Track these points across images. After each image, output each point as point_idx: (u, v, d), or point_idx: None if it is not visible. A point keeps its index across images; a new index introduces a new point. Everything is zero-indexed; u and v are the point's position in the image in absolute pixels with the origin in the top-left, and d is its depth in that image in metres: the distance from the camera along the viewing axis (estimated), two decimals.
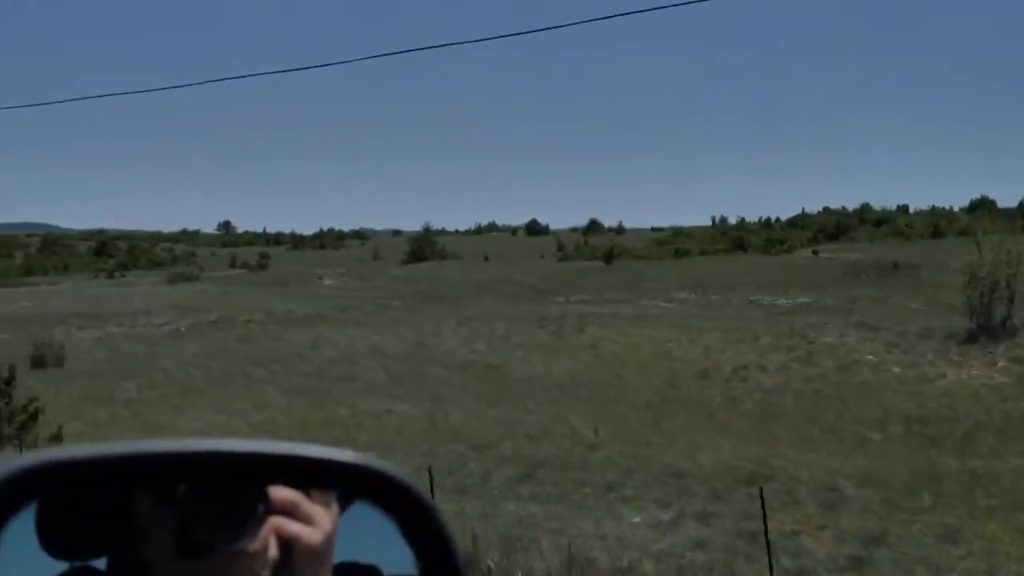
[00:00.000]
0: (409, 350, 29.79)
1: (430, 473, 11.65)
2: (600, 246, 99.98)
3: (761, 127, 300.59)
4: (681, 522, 12.25)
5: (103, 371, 28.23)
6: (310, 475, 1.10)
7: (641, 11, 17.52)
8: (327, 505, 1.12)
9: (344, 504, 1.14)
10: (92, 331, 37.85)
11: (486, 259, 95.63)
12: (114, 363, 29.72)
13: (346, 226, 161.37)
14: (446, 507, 13.16)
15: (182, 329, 36.78)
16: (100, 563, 1.08)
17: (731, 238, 70.81)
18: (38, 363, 29.24)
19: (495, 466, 15.72)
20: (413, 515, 1.10)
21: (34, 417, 19.49)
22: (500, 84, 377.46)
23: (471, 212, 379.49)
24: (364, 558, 1.15)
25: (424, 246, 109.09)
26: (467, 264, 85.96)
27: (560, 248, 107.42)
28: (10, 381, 19.84)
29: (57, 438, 19.28)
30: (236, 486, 1.08)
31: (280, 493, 1.09)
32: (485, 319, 34.68)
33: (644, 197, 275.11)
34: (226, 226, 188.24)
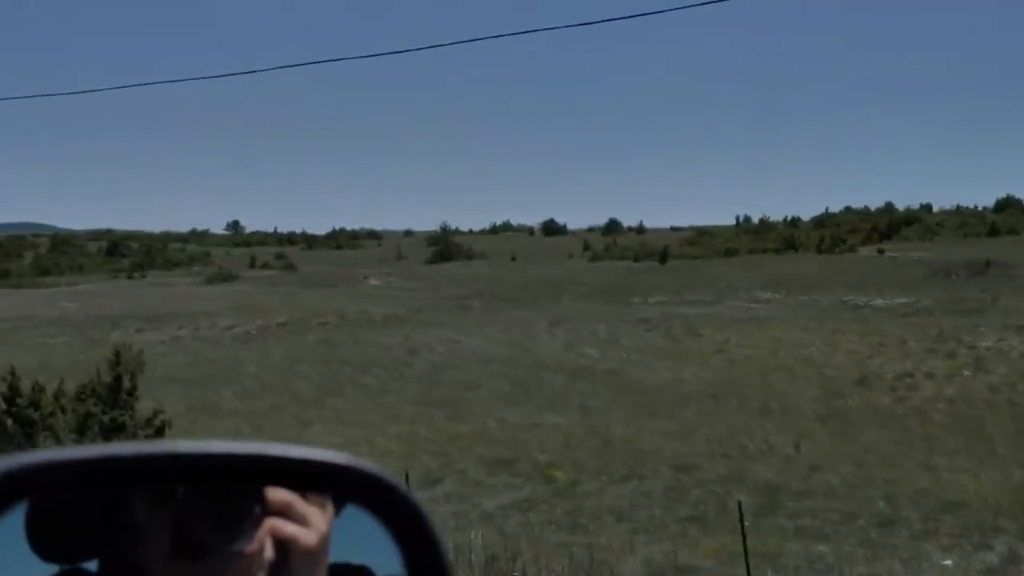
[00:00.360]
0: (511, 354, 27.92)
1: (740, 509, 9.73)
2: (629, 246, 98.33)
3: (772, 127, 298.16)
4: (1020, 565, 10.37)
5: (191, 378, 26.30)
6: (301, 477, 1.09)
7: (658, 12, 16.09)
8: (322, 506, 1.10)
9: (338, 505, 1.12)
10: (153, 334, 35.95)
11: (513, 259, 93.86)
12: (198, 369, 27.80)
13: (352, 225, 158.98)
14: (713, 543, 11.28)
15: (252, 332, 34.86)
16: (91, 566, 1.06)
17: (782, 237, 68.92)
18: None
19: (722, 490, 13.85)
20: (401, 516, 1.09)
21: (160, 431, 17.57)
22: (507, 84, 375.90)
23: (478, 212, 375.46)
24: (357, 559, 1.13)
25: (450, 246, 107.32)
26: (495, 264, 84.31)
27: (586, 248, 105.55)
28: (132, 391, 17.93)
29: None
30: (229, 487, 1.07)
31: (276, 494, 1.07)
32: (577, 321, 32.85)
33: (651, 197, 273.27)
34: (235, 226, 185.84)
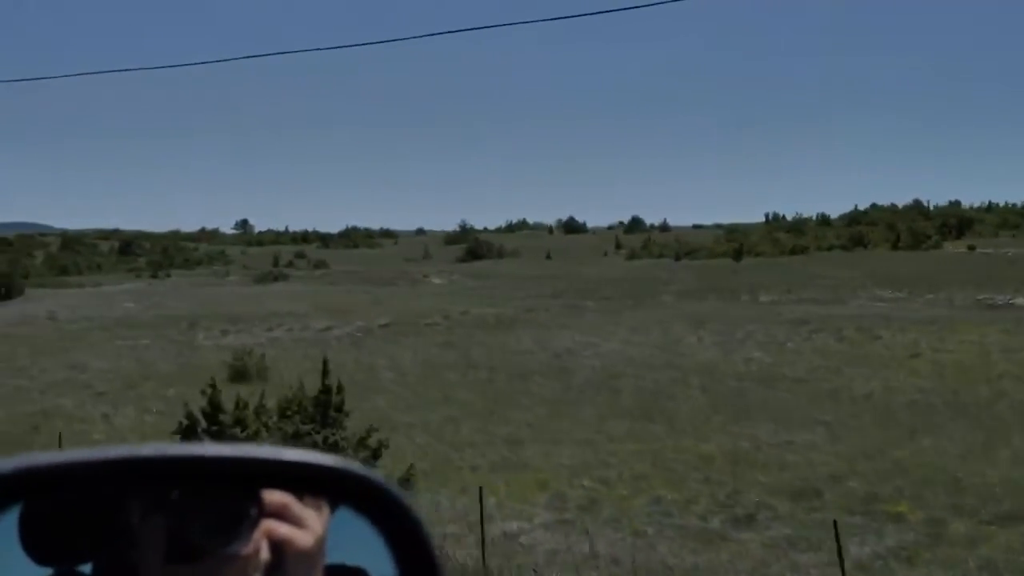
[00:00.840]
0: (670, 359, 25.34)
1: None
2: (668, 244, 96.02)
3: (784, 127, 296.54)
4: None
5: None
6: (294, 480, 1.08)
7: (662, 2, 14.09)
8: (318, 508, 1.10)
9: (334, 507, 1.12)
10: (243, 336, 33.29)
11: (548, 257, 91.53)
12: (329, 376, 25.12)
13: (360, 224, 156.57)
14: None
15: (356, 334, 32.23)
16: (86, 569, 1.06)
17: (850, 234, 66.48)
18: (239, 375, 24.61)
19: None
20: (393, 520, 1.09)
21: (376, 454, 14.93)
22: (520, 82, 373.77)
23: (486, 210, 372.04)
24: (354, 561, 1.13)
25: (480, 244, 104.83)
26: (531, 262, 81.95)
27: (619, 246, 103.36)
28: (340, 407, 15.28)
29: (407, 481, 14.74)
30: (223, 491, 1.06)
31: (271, 496, 1.07)
32: (719, 322, 30.34)
33: (663, 195, 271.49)
34: (243, 224, 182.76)
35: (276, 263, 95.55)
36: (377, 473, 1.10)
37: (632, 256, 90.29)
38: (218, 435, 14.29)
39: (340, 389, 15.33)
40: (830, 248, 63.98)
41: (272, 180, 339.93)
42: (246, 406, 14.53)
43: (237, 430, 14.17)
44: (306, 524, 1.07)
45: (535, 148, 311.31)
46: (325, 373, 15.23)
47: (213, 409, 14.45)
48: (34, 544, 1.04)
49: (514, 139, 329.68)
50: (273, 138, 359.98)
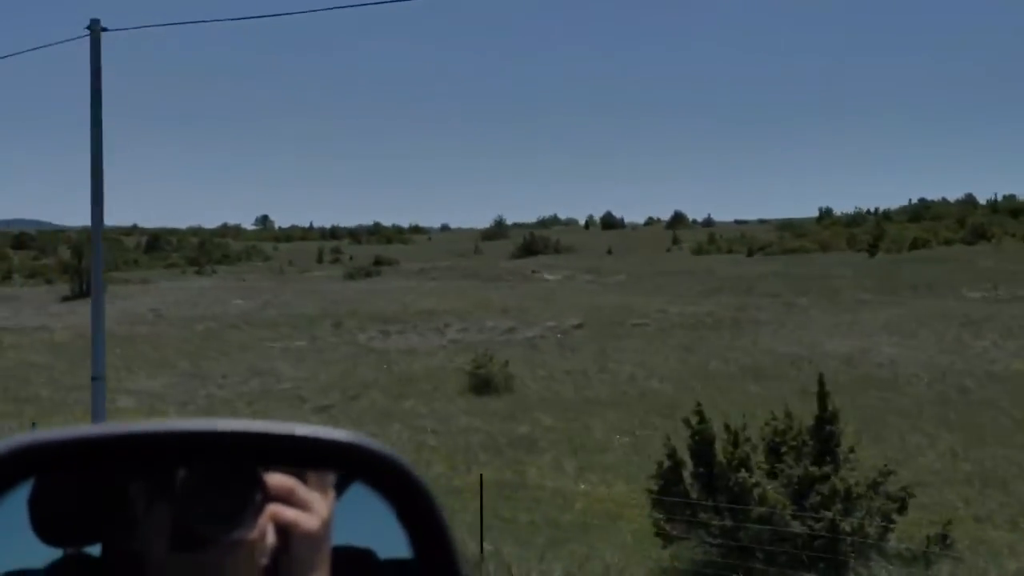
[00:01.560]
0: (985, 368, 21.36)
1: None
2: (732, 238, 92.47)
3: (811, 124, 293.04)
4: None
5: (596, 399, 19.53)
6: (305, 455, 1.07)
7: None
8: (323, 490, 1.08)
9: (340, 489, 1.10)
10: (409, 337, 29.24)
11: (608, 252, 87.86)
12: (588, 387, 20.98)
13: (372, 220, 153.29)
14: None
15: (557, 336, 28.08)
16: (95, 550, 1.06)
17: (971, 226, 62.53)
18: (483, 386, 20.49)
19: None
20: (408, 497, 1.07)
21: (903, 506, 10.77)
22: (535, 75, 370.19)
23: (499, 207, 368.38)
24: (360, 542, 1.13)
25: (536, 239, 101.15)
26: (595, 257, 78.24)
27: (675, 241, 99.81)
28: (838, 439, 11.09)
29: (943, 538, 10.58)
30: (231, 467, 1.04)
31: (276, 480, 1.05)
32: (989, 323, 26.38)
33: (677, 191, 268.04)
34: (264, 220, 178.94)
35: (320, 259, 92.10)
36: (390, 448, 1.05)
37: (699, 251, 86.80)
38: (712, 480, 10.14)
39: (835, 417, 11.10)
40: (947, 242, 60.00)
41: (281, 176, 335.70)
42: (739, 441, 10.36)
43: (742, 473, 9.99)
44: (312, 507, 1.04)
45: (555, 144, 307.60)
46: (823, 396, 10.95)
47: (700, 444, 10.27)
48: (44, 525, 1.02)
49: (529, 137, 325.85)
50: (280, 135, 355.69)
